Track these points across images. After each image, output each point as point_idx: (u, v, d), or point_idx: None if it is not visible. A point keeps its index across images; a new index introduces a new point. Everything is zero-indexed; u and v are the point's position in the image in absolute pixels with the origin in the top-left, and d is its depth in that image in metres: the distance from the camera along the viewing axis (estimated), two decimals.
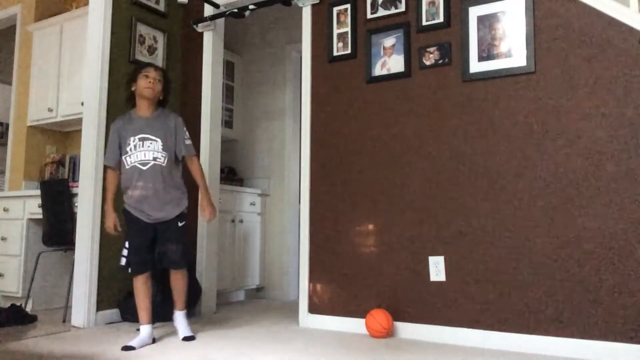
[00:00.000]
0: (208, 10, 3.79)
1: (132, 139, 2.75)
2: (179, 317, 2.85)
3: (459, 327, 2.69)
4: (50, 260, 3.93)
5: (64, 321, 3.30)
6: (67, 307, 3.36)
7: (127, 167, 2.74)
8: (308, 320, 3.15)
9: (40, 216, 3.74)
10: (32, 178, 4.42)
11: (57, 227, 3.56)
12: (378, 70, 3.07)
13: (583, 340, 2.38)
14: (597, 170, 2.44)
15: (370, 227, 3.02)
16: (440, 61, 2.88)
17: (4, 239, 3.99)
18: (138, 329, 2.74)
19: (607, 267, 2.38)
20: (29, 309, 3.62)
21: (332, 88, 3.23)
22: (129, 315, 3.20)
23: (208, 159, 3.67)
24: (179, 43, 3.94)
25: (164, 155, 2.76)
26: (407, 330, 2.82)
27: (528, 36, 2.64)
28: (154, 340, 2.71)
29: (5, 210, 4.04)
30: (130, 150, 2.74)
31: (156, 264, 2.83)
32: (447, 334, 2.70)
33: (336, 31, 3.23)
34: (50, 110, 4.25)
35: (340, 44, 3.21)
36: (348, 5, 3.20)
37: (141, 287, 2.74)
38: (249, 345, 2.64)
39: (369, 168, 3.06)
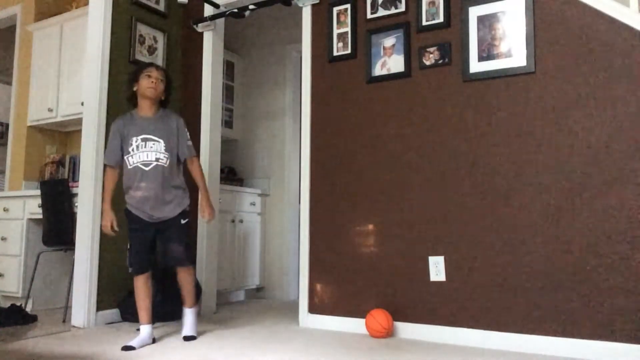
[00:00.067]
0: (208, 10, 3.79)
1: (134, 139, 2.74)
2: (187, 314, 2.85)
3: (459, 327, 2.69)
4: (50, 260, 3.93)
5: (64, 321, 3.30)
6: (67, 307, 3.36)
7: (129, 167, 2.74)
8: (308, 320, 3.15)
9: (40, 216, 3.74)
10: (32, 178, 4.42)
11: (57, 227, 3.56)
12: (378, 70, 3.07)
13: (583, 340, 2.38)
14: (598, 170, 2.44)
15: (370, 227, 3.02)
16: (440, 61, 2.88)
17: (4, 239, 4.00)
18: (138, 329, 2.74)
19: (607, 267, 2.38)
20: (29, 309, 3.62)
21: (332, 88, 3.23)
22: (129, 315, 3.20)
23: (208, 159, 3.67)
24: (179, 43, 3.94)
25: (166, 156, 2.76)
26: (407, 330, 2.82)
27: (528, 36, 2.64)
28: (154, 340, 2.71)
29: (5, 210, 4.04)
30: (133, 150, 2.74)
31: (156, 263, 2.83)
32: (447, 334, 2.70)
33: (336, 31, 3.23)
34: (50, 110, 4.25)
35: (340, 44, 3.21)
36: (348, 5, 3.20)
37: (141, 287, 2.74)
38: (249, 345, 2.64)
39: (369, 168, 3.06)
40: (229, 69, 4.66)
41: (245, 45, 4.91)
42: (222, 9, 3.75)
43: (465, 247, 2.72)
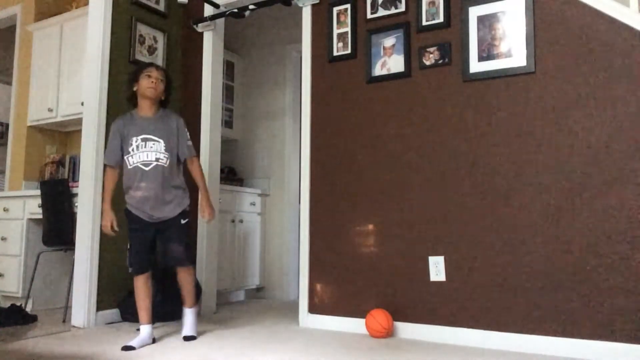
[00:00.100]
0: (208, 10, 3.79)
1: (134, 139, 2.74)
2: (187, 314, 2.85)
3: (459, 327, 2.69)
4: (50, 260, 3.93)
5: (64, 321, 3.30)
6: (67, 307, 3.36)
7: (129, 167, 2.74)
8: (308, 320, 3.15)
9: (40, 216, 3.74)
10: (32, 178, 4.42)
11: (57, 227, 3.56)
12: (378, 70, 3.07)
13: (583, 340, 2.38)
14: (598, 169, 2.44)
15: (370, 227, 3.02)
16: (440, 61, 2.88)
17: (4, 239, 4.00)
18: (138, 329, 2.74)
19: (607, 267, 2.38)
20: (29, 309, 3.62)
21: (332, 88, 3.23)
22: (129, 315, 3.20)
23: (208, 159, 3.67)
24: (179, 43, 3.94)
25: (166, 156, 2.76)
26: (407, 330, 2.82)
27: (528, 36, 2.64)
28: (154, 340, 2.71)
29: (5, 210, 4.04)
30: (133, 150, 2.74)
31: (156, 263, 2.83)
32: (447, 334, 2.70)
33: (336, 31, 3.23)
34: (50, 110, 4.25)
35: (340, 44, 3.21)
36: (348, 5, 3.20)
37: (141, 287, 2.74)
38: (249, 345, 2.64)
39: (369, 168, 3.06)
40: (229, 69, 4.66)
41: (245, 45, 4.91)
42: (222, 9, 3.75)
43: (465, 247, 2.72)
